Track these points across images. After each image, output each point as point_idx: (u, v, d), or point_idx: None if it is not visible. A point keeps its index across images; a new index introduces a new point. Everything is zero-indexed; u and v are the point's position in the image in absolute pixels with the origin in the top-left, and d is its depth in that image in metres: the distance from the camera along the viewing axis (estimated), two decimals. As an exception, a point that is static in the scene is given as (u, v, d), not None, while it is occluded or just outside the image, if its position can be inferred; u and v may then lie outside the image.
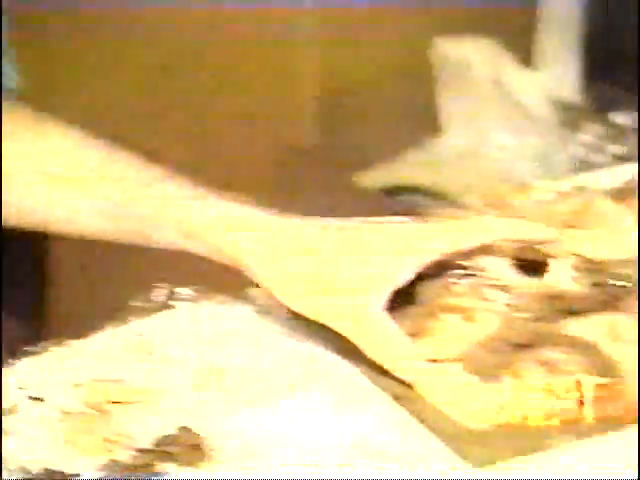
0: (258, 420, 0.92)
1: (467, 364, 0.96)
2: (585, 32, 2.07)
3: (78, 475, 0.86)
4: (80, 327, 1.03)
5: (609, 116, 1.94)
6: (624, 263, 1.09)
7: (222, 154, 2.08)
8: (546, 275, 1.03)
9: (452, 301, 0.99)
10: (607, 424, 0.92)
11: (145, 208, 1.00)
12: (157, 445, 0.89)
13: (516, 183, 1.78)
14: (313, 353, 0.99)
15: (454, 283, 1.00)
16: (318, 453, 0.89)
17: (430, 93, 2.13)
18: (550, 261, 1.03)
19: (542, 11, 2.10)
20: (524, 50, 2.09)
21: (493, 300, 0.98)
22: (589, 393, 0.93)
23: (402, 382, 0.96)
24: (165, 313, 1.06)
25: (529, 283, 1.01)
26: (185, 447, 0.88)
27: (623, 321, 0.98)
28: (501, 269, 1.01)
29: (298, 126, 2.15)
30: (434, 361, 0.96)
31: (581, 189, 1.15)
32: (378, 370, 0.97)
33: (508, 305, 0.98)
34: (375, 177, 2.10)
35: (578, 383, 0.94)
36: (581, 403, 0.93)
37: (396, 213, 2.16)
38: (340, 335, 0.97)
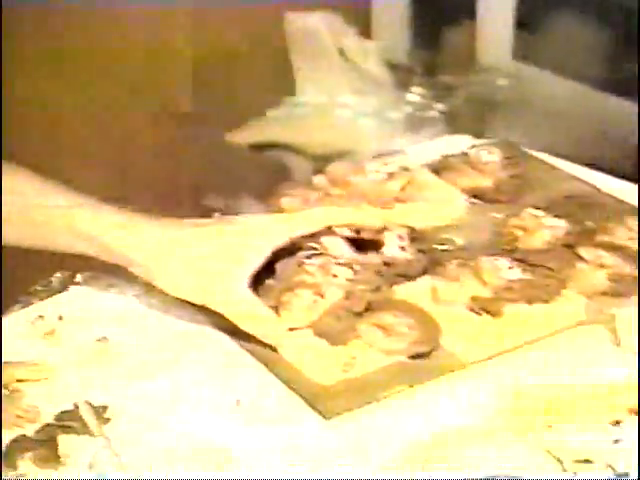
0: (149, 389, 0.93)
1: (317, 330, 0.98)
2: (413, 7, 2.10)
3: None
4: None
5: (436, 78, 1.95)
6: (445, 229, 1.11)
7: (115, 119, 2.04)
8: (381, 249, 1.05)
9: (305, 278, 1.00)
10: (435, 375, 0.93)
11: (39, 216, 0.99)
12: (58, 420, 0.89)
13: (357, 144, 1.81)
14: (193, 329, 1.00)
15: (306, 263, 1.01)
16: (202, 415, 0.90)
17: (287, 60, 2.13)
18: (384, 235, 1.05)
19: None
20: (363, 24, 2.09)
21: (338, 275, 1.00)
22: (416, 349, 0.95)
23: (269, 347, 0.97)
24: (62, 295, 1.05)
25: (367, 258, 1.03)
26: (83, 420, 0.89)
27: (442, 285, 1.01)
28: (343, 249, 1.02)
29: (176, 94, 2.13)
30: (292, 329, 0.98)
31: (406, 169, 1.16)
32: (249, 340, 0.98)
33: (350, 280, 0.99)
34: (244, 135, 2.09)
35: (407, 340, 0.96)
36: (412, 357, 0.95)
37: (262, 167, 2.15)
38: (216, 313, 0.98)
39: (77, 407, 0.90)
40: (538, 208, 1.10)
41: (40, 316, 1.02)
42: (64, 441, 0.87)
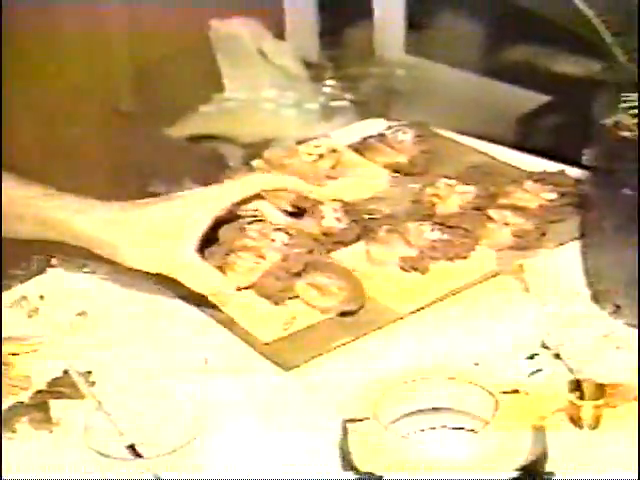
0: (128, 355, 0.90)
1: (259, 290, 0.94)
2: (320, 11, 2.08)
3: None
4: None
5: (344, 71, 1.93)
6: (372, 201, 1.09)
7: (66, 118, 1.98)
8: (317, 218, 1.02)
9: (246, 242, 0.96)
10: (373, 327, 0.91)
11: (6, 207, 0.93)
12: (49, 386, 0.86)
13: (281, 132, 1.78)
14: (159, 300, 0.97)
15: (247, 228, 0.97)
16: (176, 375, 0.87)
17: (214, 62, 2.09)
18: (319, 206, 1.03)
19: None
20: (278, 27, 2.06)
21: (275, 240, 0.96)
22: (348, 307, 0.93)
23: (219, 308, 0.94)
24: (40, 277, 1.01)
25: (301, 224, 1.01)
26: (72, 385, 0.85)
27: (375, 249, 0.99)
28: (281, 216, 0.99)
29: (118, 94, 2.08)
30: (237, 289, 0.94)
31: (334, 150, 1.13)
32: (201, 302, 0.94)
33: (286, 244, 0.96)
34: (181, 129, 2.05)
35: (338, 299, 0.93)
36: (341, 315, 0.93)
37: (200, 155, 2.11)
38: (174, 281, 0.93)
39: (66, 373, 0.86)
40: (449, 178, 1.08)
41: (23, 297, 0.98)
42: (56, 405, 0.84)
